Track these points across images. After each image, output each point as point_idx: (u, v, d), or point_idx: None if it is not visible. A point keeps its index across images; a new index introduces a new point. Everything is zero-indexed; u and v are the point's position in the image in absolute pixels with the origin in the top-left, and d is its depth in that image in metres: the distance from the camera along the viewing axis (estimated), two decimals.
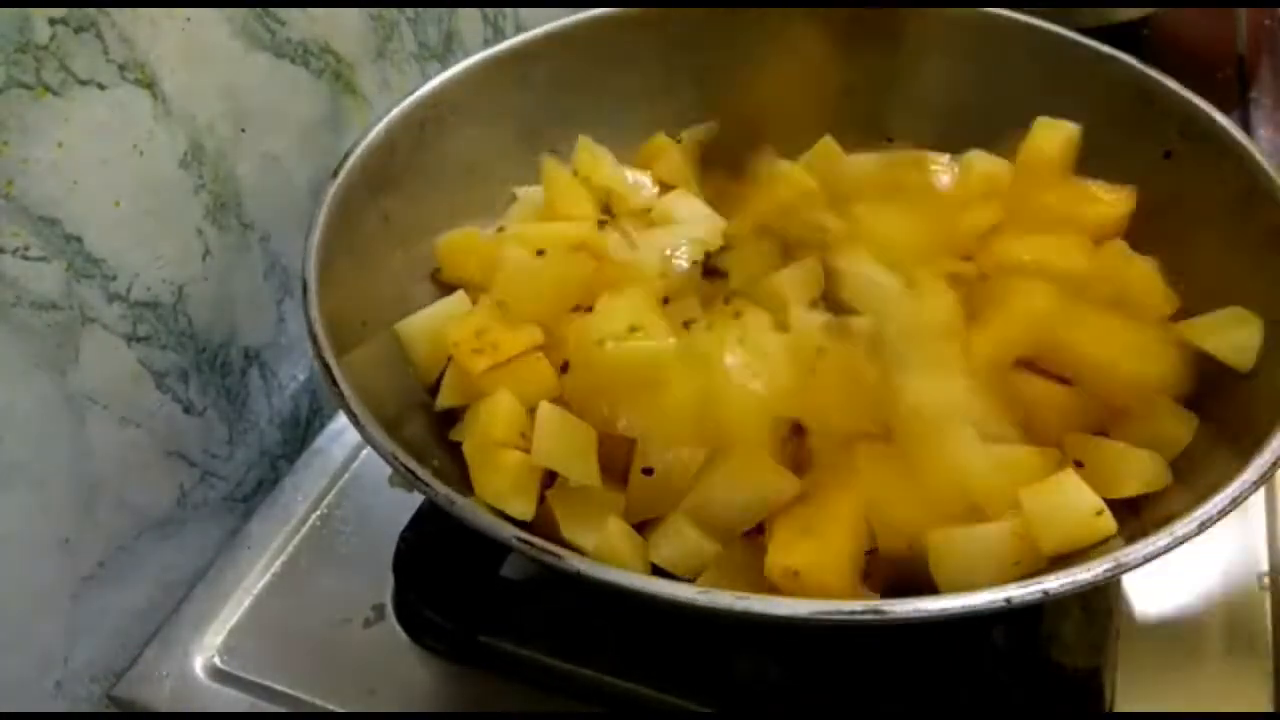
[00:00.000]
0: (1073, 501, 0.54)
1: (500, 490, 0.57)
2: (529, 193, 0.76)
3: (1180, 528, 0.46)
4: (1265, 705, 0.62)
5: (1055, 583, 0.44)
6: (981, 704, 0.60)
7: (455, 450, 0.61)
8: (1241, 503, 0.47)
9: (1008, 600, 0.44)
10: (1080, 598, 0.62)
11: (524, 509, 0.57)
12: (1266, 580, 0.68)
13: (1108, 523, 0.54)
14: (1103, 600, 0.63)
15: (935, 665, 0.61)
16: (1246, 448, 0.51)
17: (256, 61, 0.72)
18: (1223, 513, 0.46)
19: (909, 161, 0.75)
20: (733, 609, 0.44)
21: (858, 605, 0.43)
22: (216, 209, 0.71)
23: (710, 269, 0.68)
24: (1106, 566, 0.45)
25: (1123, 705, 0.62)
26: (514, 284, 0.65)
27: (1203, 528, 0.46)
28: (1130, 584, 0.67)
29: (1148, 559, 0.45)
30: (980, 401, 0.60)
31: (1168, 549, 0.45)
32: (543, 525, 0.58)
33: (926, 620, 0.44)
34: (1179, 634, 0.66)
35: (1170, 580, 0.68)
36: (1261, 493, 0.70)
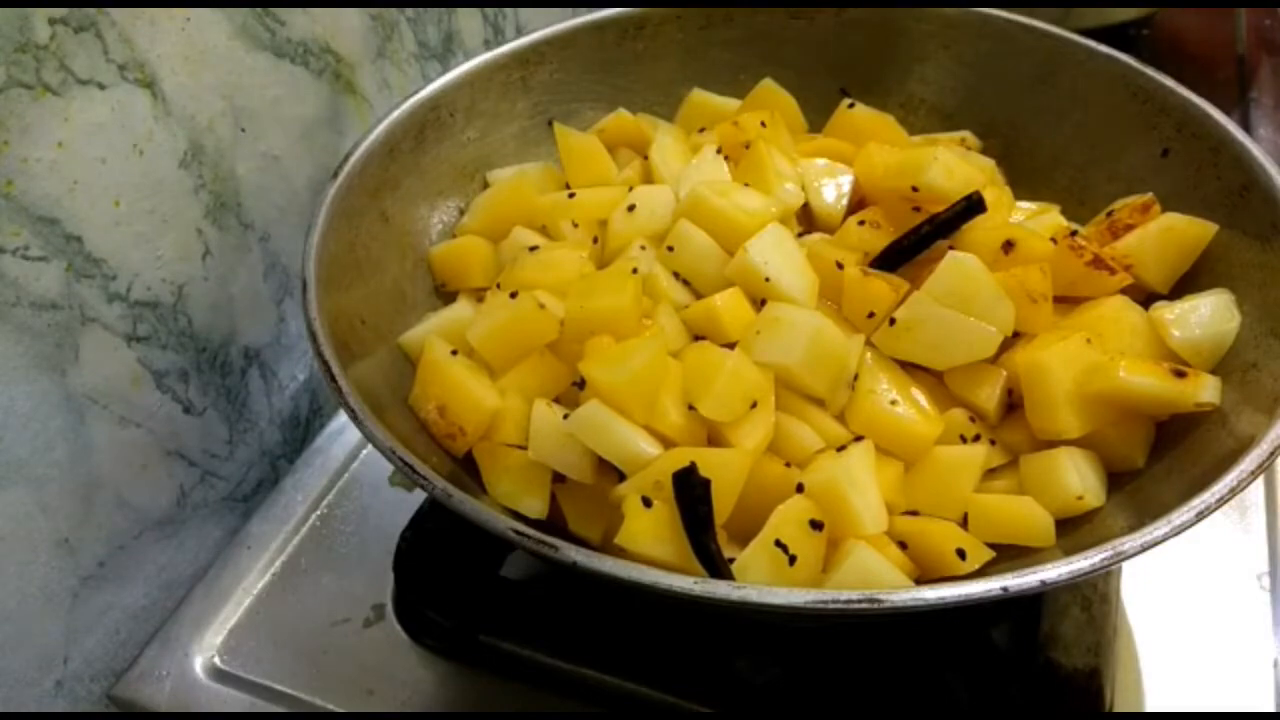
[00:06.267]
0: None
1: (511, 490, 0.58)
2: (500, 176, 0.76)
3: (1178, 516, 0.46)
4: (1265, 705, 0.62)
5: (1053, 572, 0.44)
6: (981, 704, 0.60)
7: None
8: (1240, 491, 0.47)
9: (1004, 589, 0.43)
10: (1080, 597, 0.62)
11: (536, 507, 0.57)
12: (1266, 580, 0.68)
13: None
14: (1102, 600, 0.62)
15: (935, 665, 0.61)
16: (1244, 439, 0.50)
17: (256, 61, 0.72)
18: (1221, 501, 0.46)
19: None
20: (729, 598, 0.44)
21: (854, 594, 0.43)
22: (216, 209, 0.71)
23: None
24: (1105, 555, 0.44)
25: (1122, 705, 0.62)
26: (485, 340, 0.62)
27: (1200, 516, 0.46)
28: (1129, 584, 0.67)
29: (1145, 547, 0.45)
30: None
31: (1165, 538, 0.45)
32: (559, 523, 0.58)
33: (922, 609, 0.44)
34: (1179, 634, 0.66)
35: (1170, 581, 0.68)
36: (1260, 493, 0.71)
